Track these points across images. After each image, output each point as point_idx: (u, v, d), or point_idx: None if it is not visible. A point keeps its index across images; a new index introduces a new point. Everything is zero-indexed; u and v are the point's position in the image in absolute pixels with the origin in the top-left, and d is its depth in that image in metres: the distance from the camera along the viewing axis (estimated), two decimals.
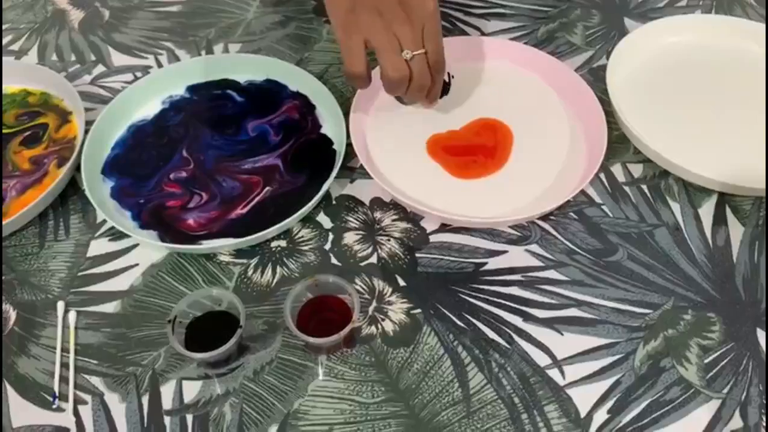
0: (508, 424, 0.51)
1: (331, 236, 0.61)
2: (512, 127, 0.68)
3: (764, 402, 0.52)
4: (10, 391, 0.53)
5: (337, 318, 0.53)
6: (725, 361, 0.54)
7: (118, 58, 0.78)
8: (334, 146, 0.66)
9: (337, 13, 0.58)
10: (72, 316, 0.56)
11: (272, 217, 0.60)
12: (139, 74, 0.76)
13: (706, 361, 0.54)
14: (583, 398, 0.52)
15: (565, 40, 0.79)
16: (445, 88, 0.64)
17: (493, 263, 0.60)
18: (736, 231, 0.62)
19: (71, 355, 0.54)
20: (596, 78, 0.74)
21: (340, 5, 0.57)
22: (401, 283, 0.58)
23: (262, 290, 0.58)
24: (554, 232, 0.62)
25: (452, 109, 0.70)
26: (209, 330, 0.53)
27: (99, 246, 0.61)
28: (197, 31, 0.80)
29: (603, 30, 0.80)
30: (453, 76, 0.63)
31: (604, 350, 0.54)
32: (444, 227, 0.62)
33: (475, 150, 0.67)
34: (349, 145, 0.64)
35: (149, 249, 0.61)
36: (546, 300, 0.57)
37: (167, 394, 0.53)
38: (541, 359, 0.54)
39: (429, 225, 0.62)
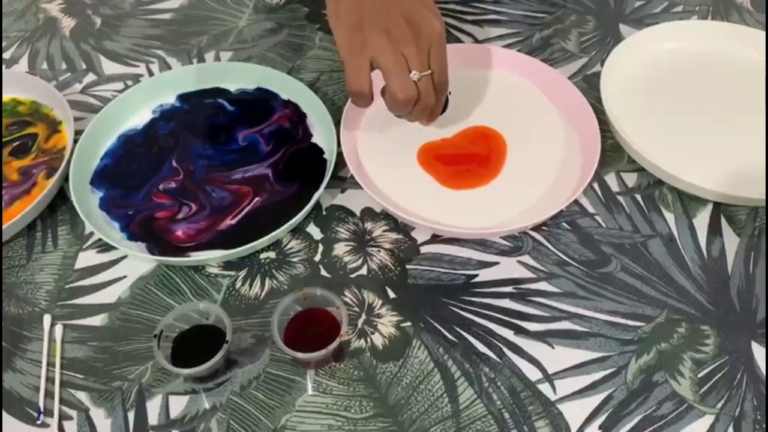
0: None
1: (321, 247, 0.61)
2: (505, 136, 0.68)
3: (759, 417, 0.51)
4: None
5: (325, 332, 0.52)
6: (719, 375, 0.53)
7: (109, 66, 0.77)
8: (325, 156, 0.66)
9: (341, 30, 0.57)
10: (58, 329, 0.56)
11: (262, 228, 0.60)
12: (129, 83, 0.75)
13: (699, 375, 0.53)
14: (575, 413, 0.51)
15: (560, 47, 0.78)
16: (444, 105, 0.63)
17: (484, 275, 0.59)
18: (731, 241, 0.61)
19: (57, 370, 0.54)
20: (590, 85, 0.73)
21: (346, 22, 0.56)
22: (391, 295, 0.58)
23: (251, 303, 0.57)
24: (547, 243, 0.61)
25: (444, 117, 0.69)
26: (196, 344, 0.53)
27: (87, 258, 0.61)
28: (189, 39, 0.80)
29: (598, 36, 0.79)
30: (451, 92, 0.63)
31: (596, 364, 0.54)
32: (435, 238, 0.61)
33: (468, 159, 0.66)
34: (339, 154, 0.64)
35: (137, 261, 0.60)
36: (538, 313, 0.57)
37: (153, 409, 0.52)
38: (532, 373, 0.53)
39: (420, 236, 0.62)
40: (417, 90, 0.57)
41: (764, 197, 0.60)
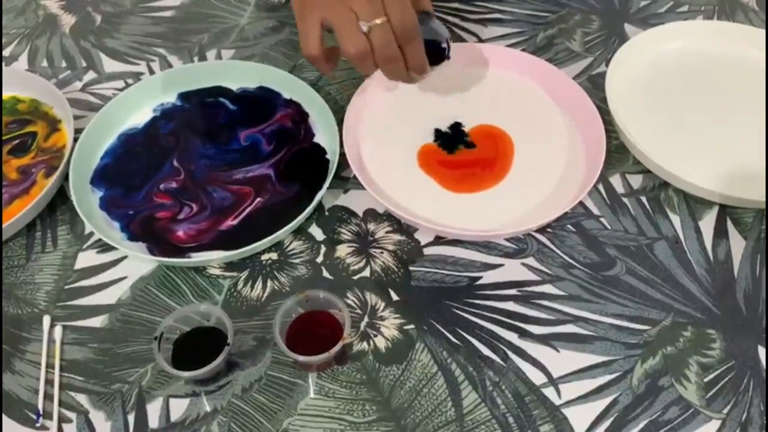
0: None
1: (323, 249, 0.60)
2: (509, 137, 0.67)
3: (765, 423, 0.50)
4: None
5: (328, 334, 0.52)
6: (725, 379, 0.53)
7: (110, 64, 0.76)
8: (327, 156, 0.65)
9: None
10: (58, 330, 0.55)
11: (263, 228, 0.59)
12: (130, 81, 0.75)
13: (705, 379, 0.53)
14: (580, 418, 0.51)
15: (564, 47, 0.77)
16: (440, 55, 0.60)
17: (488, 277, 0.58)
18: (737, 244, 0.60)
19: (56, 372, 0.53)
20: (595, 86, 0.72)
21: None
22: (394, 297, 0.57)
23: (252, 304, 0.57)
24: (551, 245, 0.60)
25: (447, 118, 0.68)
26: (197, 346, 0.52)
27: (87, 258, 0.60)
28: (190, 37, 0.79)
29: (603, 36, 0.79)
30: (450, 38, 0.60)
31: (601, 368, 0.53)
32: (439, 240, 0.61)
33: (473, 163, 0.65)
34: (342, 154, 0.63)
35: (138, 261, 0.59)
36: (542, 315, 0.56)
37: (154, 412, 0.51)
38: (537, 377, 0.53)
39: (423, 237, 0.61)
40: (369, 42, 0.53)
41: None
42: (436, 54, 0.61)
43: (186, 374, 0.49)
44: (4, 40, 0.79)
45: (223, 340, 0.50)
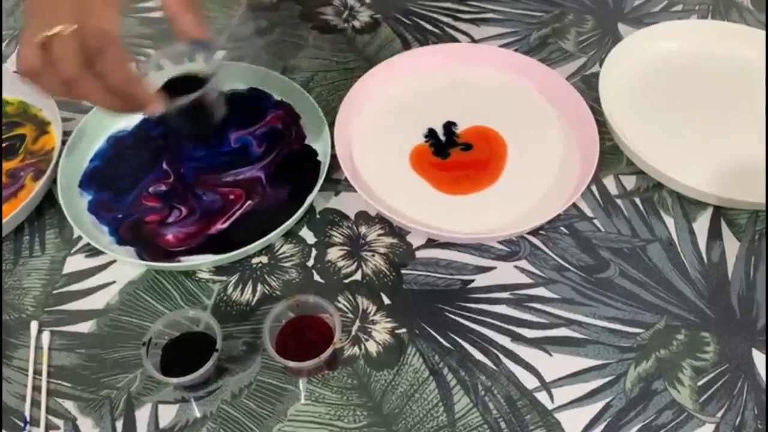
0: None
1: (314, 252, 0.60)
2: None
3: (759, 426, 0.50)
4: None
5: (318, 339, 0.51)
6: (719, 383, 0.52)
7: None
8: (319, 158, 0.65)
9: None
10: (45, 336, 0.55)
11: (254, 232, 0.59)
12: None
13: (699, 383, 0.52)
14: (572, 423, 0.50)
15: (558, 47, 0.77)
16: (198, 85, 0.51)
17: (480, 280, 0.58)
18: (731, 246, 0.60)
19: (44, 378, 0.53)
20: (589, 86, 0.72)
21: None
22: (386, 301, 0.57)
23: (242, 309, 0.56)
24: (544, 248, 0.60)
25: (439, 119, 0.68)
26: (186, 351, 0.51)
27: (75, 262, 0.59)
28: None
29: (596, 36, 0.78)
30: (216, 75, 0.51)
31: (594, 372, 0.53)
32: (431, 242, 0.60)
33: (466, 165, 0.65)
34: (334, 156, 0.62)
35: (127, 266, 0.59)
36: (535, 319, 0.56)
37: (142, 418, 0.51)
38: (529, 381, 0.52)
39: (415, 240, 0.60)
40: (39, 55, 0.43)
41: (765, 201, 0.59)
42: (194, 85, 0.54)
43: (174, 380, 0.49)
44: None
45: (212, 346, 0.50)
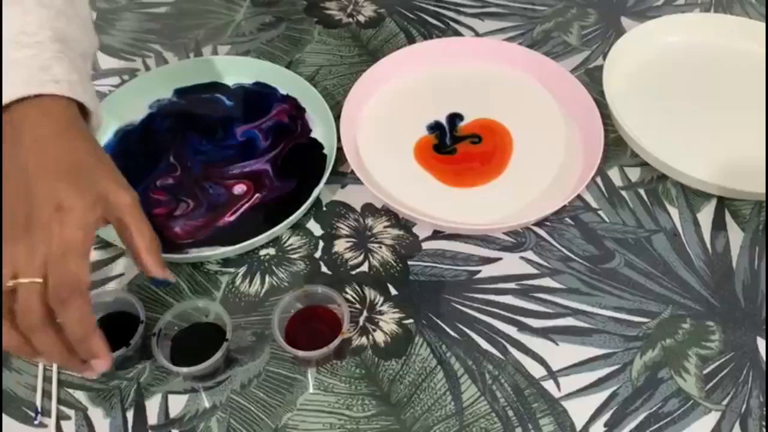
0: None
1: (321, 244, 0.60)
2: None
3: (765, 413, 0.50)
4: None
5: (326, 329, 0.52)
6: (725, 371, 0.53)
7: (105, 61, 0.76)
8: (325, 151, 0.65)
9: None
10: None
11: (261, 224, 0.59)
12: (126, 77, 0.74)
13: (705, 371, 0.53)
14: (579, 411, 0.51)
15: (561, 40, 0.77)
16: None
17: (487, 271, 0.58)
18: (735, 236, 0.60)
19: (54, 369, 0.53)
20: (592, 79, 0.72)
21: None
22: (393, 292, 0.57)
23: (251, 300, 0.57)
24: (550, 239, 0.60)
25: (444, 113, 0.68)
26: (196, 342, 0.52)
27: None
28: (186, 33, 0.79)
29: (599, 29, 0.79)
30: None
31: (600, 361, 0.53)
32: (437, 234, 0.61)
33: (471, 157, 0.65)
34: (339, 149, 0.63)
35: None
36: (541, 309, 0.56)
37: (152, 408, 0.51)
38: (536, 370, 0.53)
39: (421, 232, 0.61)
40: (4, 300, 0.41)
41: (766, 192, 0.60)
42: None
43: (185, 370, 0.49)
44: None
45: (222, 336, 0.50)
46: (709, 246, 0.60)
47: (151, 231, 0.48)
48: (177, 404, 0.51)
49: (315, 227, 0.61)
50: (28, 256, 0.42)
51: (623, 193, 0.63)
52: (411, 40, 0.77)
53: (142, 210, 0.48)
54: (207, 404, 0.51)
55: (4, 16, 0.47)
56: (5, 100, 0.45)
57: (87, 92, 0.49)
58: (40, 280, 0.42)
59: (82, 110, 0.49)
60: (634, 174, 0.65)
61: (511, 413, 0.51)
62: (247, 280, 0.58)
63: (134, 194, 0.48)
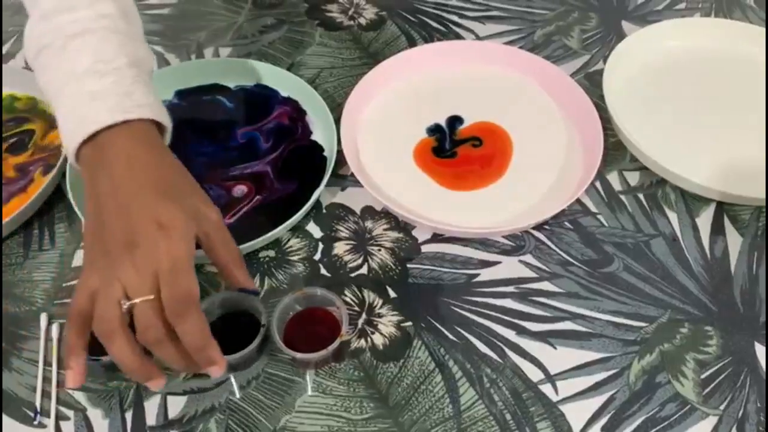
0: None
1: (320, 246, 0.60)
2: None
3: (762, 419, 0.51)
4: None
5: (325, 331, 0.52)
6: (722, 376, 0.53)
7: None
8: (325, 153, 0.65)
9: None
10: (55, 328, 0.55)
11: (261, 226, 0.59)
12: None
13: (702, 376, 0.53)
14: (577, 415, 0.51)
15: (562, 44, 0.77)
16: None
17: (486, 274, 0.58)
18: (734, 241, 0.60)
19: (54, 369, 0.53)
20: (593, 83, 0.72)
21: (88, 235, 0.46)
22: (392, 294, 0.57)
23: None
24: (549, 243, 0.60)
25: (444, 116, 0.68)
26: (231, 332, 0.52)
27: None
28: (187, 35, 0.79)
29: (600, 33, 0.79)
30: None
31: (598, 365, 0.53)
32: (436, 237, 0.61)
33: (471, 160, 0.65)
34: (340, 152, 0.63)
35: None
36: (540, 313, 0.56)
37: (151, 409, 0.51)
38: (534, 374, 0.53)
39: (421, 235, 0.61)
40: (121, 320, 0.42)
41: (766, 197, 0.60)
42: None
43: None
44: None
45: (256, 326, 0.50)
46: (707, 251, 0.60)
47: (236, 245, 0.50)
48: (176, 405, 0.52)
49: (315, 229, 0.61)
50: (138, 275, 0.43)
51: (622, 197, 0.63)
52: (412, 43, 0.78)
53: (225, 226, 0.49)
54: (206, 405, 0.51)
55: (77, 48, 0.48)
56: (94, 128, 0.46)
57: (163, 111, 0.51)
58: (153, 296, 0.43)
59: (159, 127, 0.51)
60: (633, 178, 0.65)
61: (508, 417, 0.51)
62: None
63: (218, 210, 0.49)
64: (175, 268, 0.44)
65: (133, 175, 0.46)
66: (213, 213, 0.48)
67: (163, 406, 0.52)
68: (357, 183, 0.62)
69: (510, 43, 0.77)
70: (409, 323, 0.55)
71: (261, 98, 0.70)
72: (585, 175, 0.62)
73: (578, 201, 0.63)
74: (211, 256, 0.49)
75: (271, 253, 0.60)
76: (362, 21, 0.80)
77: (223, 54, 0.77)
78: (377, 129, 0.68)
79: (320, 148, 0.66)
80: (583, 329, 0.55)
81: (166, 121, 0.51)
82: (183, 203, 0.46)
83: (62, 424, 0.51)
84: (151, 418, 0.51)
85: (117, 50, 0.49)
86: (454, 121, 0.68)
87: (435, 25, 0.80)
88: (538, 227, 0.61)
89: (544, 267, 0.59)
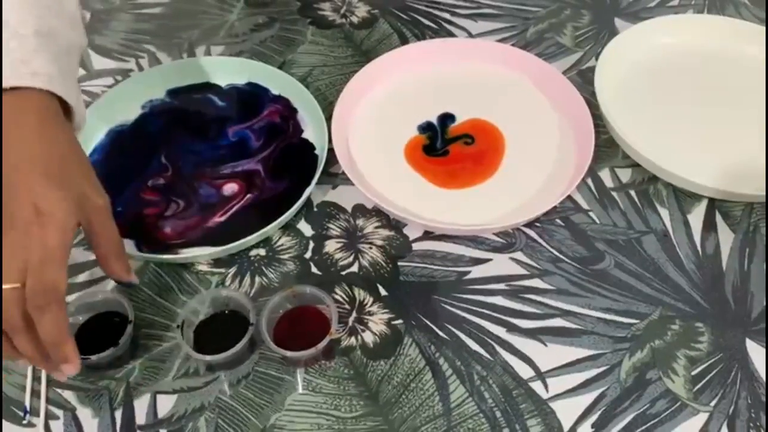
0: None
1: (311, 244, 0.60)
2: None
3: (753, 415, 0.50)
4: None
5: (315, 330, 0.52)
6: (713, 372, 0.53)
7: (99, 61, 0.76)
8: (316, 151, 0.65)
9: None
10: None
11: (252, 224, 0.59)
12: (119, 78, 0.74)
13: (693, 372, 0.53)
14: (567, 412, 0.51)
15: (555, 41, 0.77)
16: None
17: (476, 272, 0.58)
18: (726, 237, 0.60)
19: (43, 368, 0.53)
20: (585, 80, 0.72)
21: None
22: (383, 292, 0.57)
23: None
24: (540, 240, 0.60)
25: (435, 113, 0.68)
26: (219, 331, 0.52)
27: (73, 255, 0.59)
28: (179, 34, 0.79)
29: (593, 30, 0.79)
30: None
31: (588, 362, 0.53)
32: (427, 235, 0.61)
33: (463, 157, 0.65)
34: (331, 150, 0.63)
35: None
36: (530, 310, 0.56)
37: (141, 408, 0.51)
38: (524, 371, 0.53)
39: (412, 232, 0.61)
40: None
41: (759, 193, 0.60)
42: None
43: (208, 358, 0.49)
44: None
45: (244, 325, 0.51)
46: (699, 247, 0.60)
47: (119, 236, 0.49)
48: (166, 404, 0.51)
49: (306, 228, 0.61)
50: (10, 261, 0.42)
51: (614, 194, 0.63)
52: (404, 41, 0.77)
53: (111, 214, 0.48)
54: (195, 404, 0.51)
55: None
56: None
57: (69, 87, 0.48)
58: (19, 285, 0.42)
59: (66, 107, 0.49)
60: (625, 175, 0.65)
61: (498, 414, 0.51)
62: (237, 281, 0.58)
63: (107, 198, 0.48)
64: (44, 259, 0.42)
65: (20, 147, 0.44)
66: (100, 199, 0.47)
67: (153, 405, 0.51)
68: (348, 181, 0.62)
69: (502, 40, 0.77)
70: (400, 321, 0.55)
71: (252, 96, 0.70)
72: (576, 172, 0.61)
73: (570, 198, 0.63)
74: (91, 243, 0.48)
75: (262, 251, 0.60)
76: (354, 19, 0.80)
77: (214, 53, 0.77)
78: (369, 127, 0.68)
79: (311, 146, 0.66)
80: (574, 326, 0.55)
81: (73, 99, 0.48)
82: (68, 188, 0.45)
83: (52, 423, 0.51)
84: (140, 417, 0.51)
85: (25, 17, 0.47)
86: (446, 118, 0.68)
87: (427, 22, 0.80)
88: (529, 224, 0.61)
89: (535, 264, 0.59)
